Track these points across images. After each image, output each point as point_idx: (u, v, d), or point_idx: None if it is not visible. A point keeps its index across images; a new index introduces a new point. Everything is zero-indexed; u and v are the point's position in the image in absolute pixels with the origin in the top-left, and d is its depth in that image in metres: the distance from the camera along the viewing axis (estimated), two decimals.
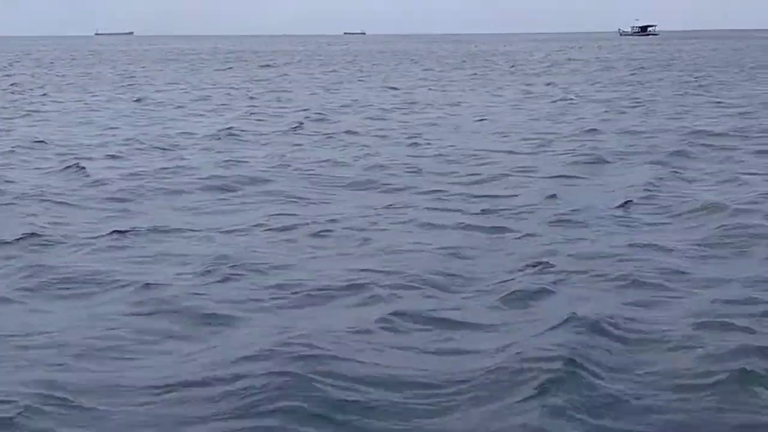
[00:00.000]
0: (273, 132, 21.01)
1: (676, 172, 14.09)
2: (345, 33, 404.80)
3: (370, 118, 24.15)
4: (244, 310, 7.57)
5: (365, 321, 7.19)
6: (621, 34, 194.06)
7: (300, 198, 12.57)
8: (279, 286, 8.17)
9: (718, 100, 28.45)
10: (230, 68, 59.70)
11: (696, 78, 41.18)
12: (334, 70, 54.75)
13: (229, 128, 20.94)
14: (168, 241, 9.97)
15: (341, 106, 28.17)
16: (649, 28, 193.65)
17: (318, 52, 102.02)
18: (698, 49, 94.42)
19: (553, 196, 12.28)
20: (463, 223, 10.76)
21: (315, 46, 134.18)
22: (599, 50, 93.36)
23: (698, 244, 9.50)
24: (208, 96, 33.10)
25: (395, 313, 7.31)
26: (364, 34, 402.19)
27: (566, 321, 6.89)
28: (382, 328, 7.06)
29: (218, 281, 8.38)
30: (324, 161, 16.03)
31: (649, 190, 12.32)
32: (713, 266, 8.71)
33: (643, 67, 51.10)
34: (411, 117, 24.43)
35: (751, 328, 6.86)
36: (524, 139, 19.06)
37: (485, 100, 30.01)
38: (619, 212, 11.11)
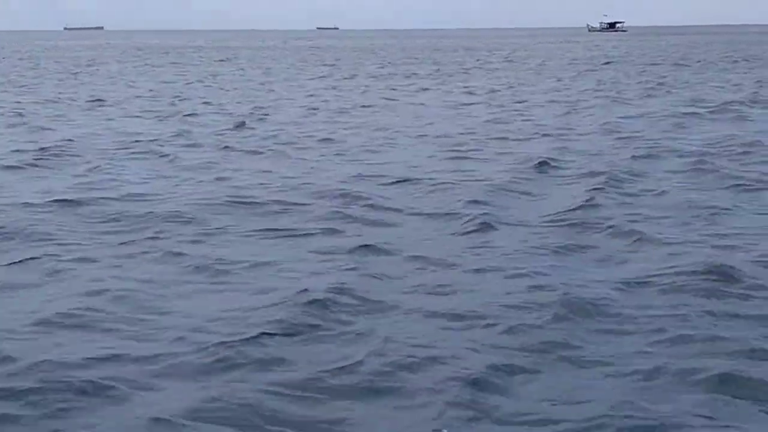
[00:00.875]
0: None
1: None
2: (318, 28, 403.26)
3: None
4: None
5: None
6: (590, 30, 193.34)
7: None
8: None
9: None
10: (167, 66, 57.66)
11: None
12: (268, 69, 52.59)
13: None
14: None
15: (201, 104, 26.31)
16: (617, 24, 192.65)
17: (265, 48, 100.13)
18: (648, 46, 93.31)
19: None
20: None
21: (279, 42, 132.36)
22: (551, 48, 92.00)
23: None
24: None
25: None
26: (337, 29, 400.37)
27: None
28: None
29: None
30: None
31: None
32: None
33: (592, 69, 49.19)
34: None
35: None
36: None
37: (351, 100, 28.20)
38: None
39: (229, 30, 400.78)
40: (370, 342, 6.29)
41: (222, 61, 62.87)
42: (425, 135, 18.46)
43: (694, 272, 7.79)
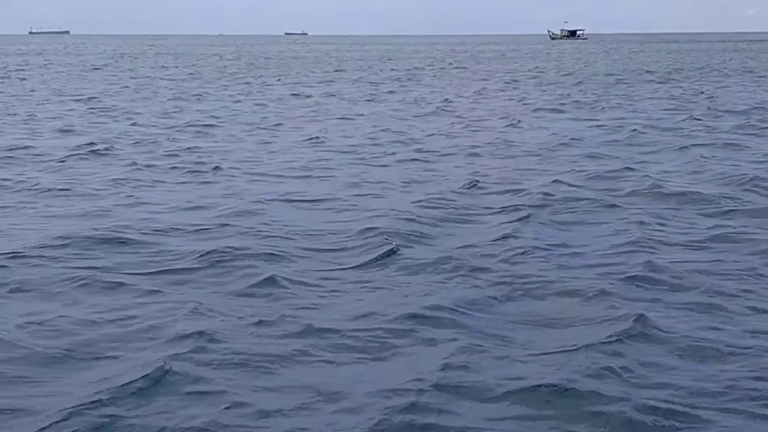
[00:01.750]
0: None
1: None
2: (286, 33, 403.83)
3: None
4: None
5: None
6: (551, 37, 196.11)
7: None
8: None
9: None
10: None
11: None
12: (198, 75, 53.76)
13: None
14: None
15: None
16: (578, 32, 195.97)
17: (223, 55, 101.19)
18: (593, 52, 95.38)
19: None
20: None
21: (234, 48, 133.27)
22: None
23: None
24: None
25: None
26: (306, 34, 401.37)
27: None
28: None
29: None
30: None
31: None
32: None
33: (515, 80, 50.82)
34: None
35: None
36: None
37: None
38: None
39: (197, 35, 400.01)
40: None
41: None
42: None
43: None
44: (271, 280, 8.79)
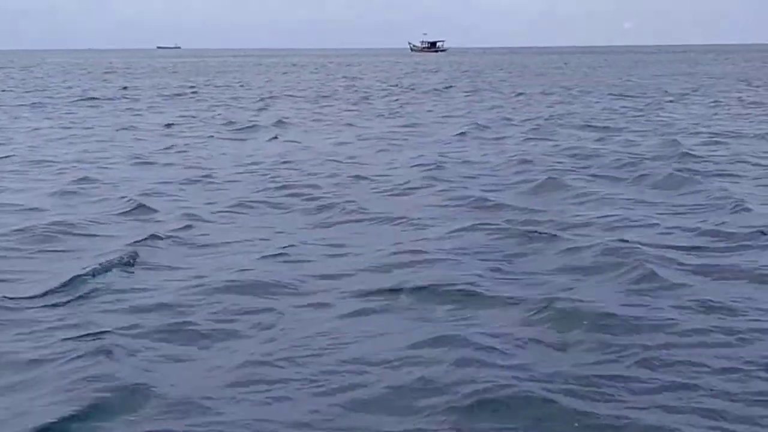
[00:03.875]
0: None
1: None
2: (158, 47, 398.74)
3: None
4: None
5: None
6: (412, 50, 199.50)
7: None
8: None
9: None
10: None
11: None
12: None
13: None
14: None
15: None
16: (438, 44, 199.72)
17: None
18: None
19: None
20: None
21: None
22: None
23: None
24: None
25: None
26: (179, 48, 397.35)
27: None
28: None
29: None
30: None
31: None
32: None
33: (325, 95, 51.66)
34: None
35: None
36: None
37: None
38: None
39: (64, 50, 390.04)
40: None
41: None
42: None
43: None
44: None
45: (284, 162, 18.43)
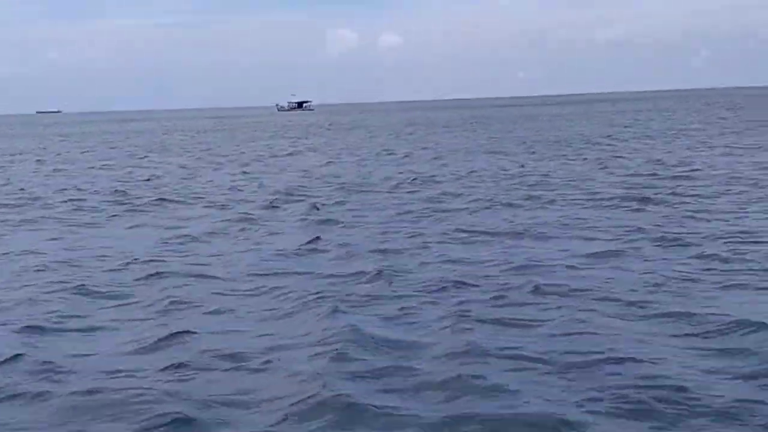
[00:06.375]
0: None
1: None
2: (38, 112, 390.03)
3: None
4: None
5: None
6: (279, 109, 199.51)
7: None
8: None
9: None
10: None
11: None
12: None
13: None
14: None
15: None
16: (305, 104, 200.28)
17: None
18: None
19: None
20: None
21: None
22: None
23: None
24: None
25: None
26: (60, 112, 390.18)
27: None
28: None
29: None
30: None
31: None
32: None
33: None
34: None
35: None
36: None
37: None
38: None
39: None
40: None
41: None
42: None
43: None
44: None
45: None
